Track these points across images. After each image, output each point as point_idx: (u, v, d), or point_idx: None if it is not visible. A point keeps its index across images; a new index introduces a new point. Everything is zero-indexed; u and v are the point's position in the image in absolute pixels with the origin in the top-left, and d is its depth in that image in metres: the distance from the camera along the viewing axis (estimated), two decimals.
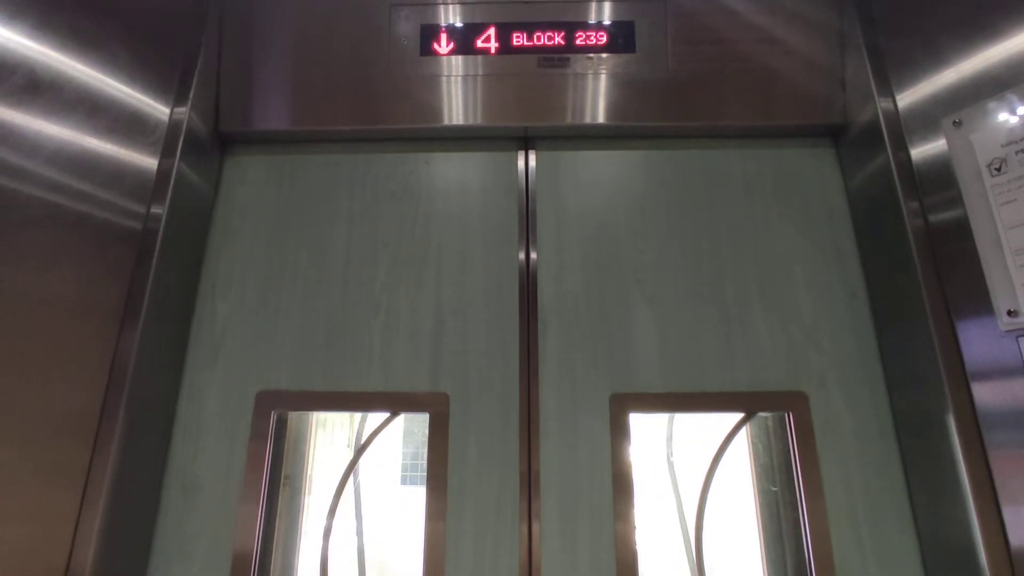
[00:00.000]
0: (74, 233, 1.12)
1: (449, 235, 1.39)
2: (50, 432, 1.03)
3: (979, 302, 1.06)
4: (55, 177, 1.12)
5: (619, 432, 1.23)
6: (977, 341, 1.06)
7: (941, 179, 1.15)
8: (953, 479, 1.04)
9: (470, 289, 1.35)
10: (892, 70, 1.29)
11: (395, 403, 1.27)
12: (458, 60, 1.42)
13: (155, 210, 1.21)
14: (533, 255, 1.37)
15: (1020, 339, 1.01)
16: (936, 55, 1.21)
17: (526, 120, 1.41)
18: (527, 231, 1.39)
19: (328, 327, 1.33)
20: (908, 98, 1.25)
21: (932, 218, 1.16)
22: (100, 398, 1.07)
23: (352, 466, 1.31)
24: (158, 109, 1.28)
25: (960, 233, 1.10)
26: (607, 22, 1.43)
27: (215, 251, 1.39)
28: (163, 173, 1.24)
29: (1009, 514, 0.98)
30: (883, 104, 1.27)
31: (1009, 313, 1.02)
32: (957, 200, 1.11)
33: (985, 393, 1.04)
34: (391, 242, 1.39)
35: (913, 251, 1.15)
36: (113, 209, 1.17)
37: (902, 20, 1.30)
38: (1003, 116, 1.08)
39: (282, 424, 1.32)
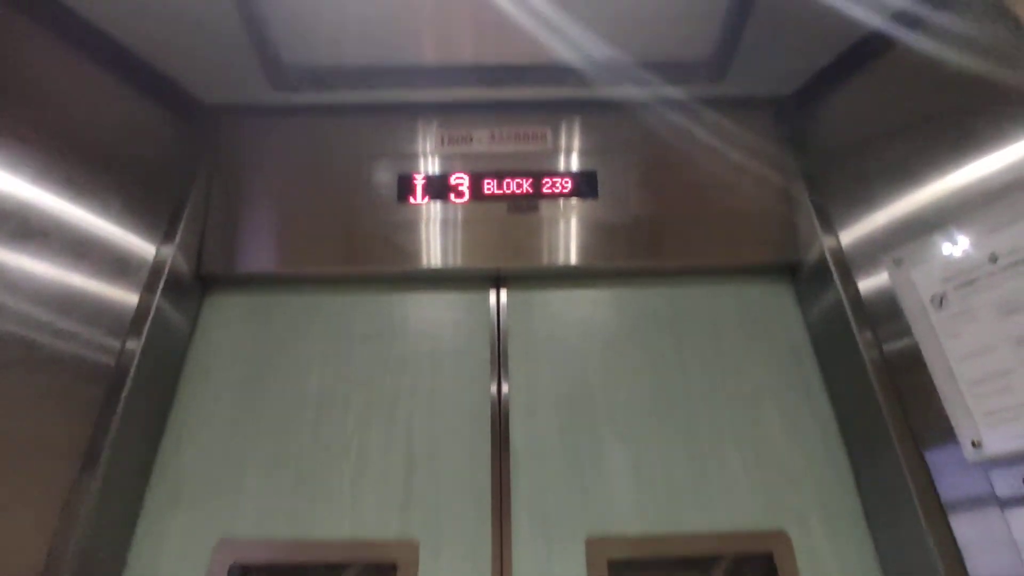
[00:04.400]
0: (46, 374, 1.11)
1: (421, 376, 1.40)
2: None
3: (945, 431, 1.07)
4: (35, 315, 1.13)
5: None
6: (949, 471, 1.07)
7: (891, 310, 1.21)
8: None
9: (442, 430, 1.33)
10: (834, 212, 1.41)
11: (363, 553, 1.21)
12: (433, 206, 1.52)
13: (130, 345, 1.22)
14: (505, 392, 1.38)
15: (989, 470, 1.02)
16: (871, 199, 1.32)
17: (498, 262, 1.48)
18: (499, 369, 1.41)
19: (296, 471, 1.29)
20: (850, 236, 1.35)
21: (887, 347, 1.21)
22: (47, 543, 1.01)
23: None
24: (144, 249, 1.33)
25: (916, 361, 1.14)
26: (572, 171, 1.56)
27: (186, 390, 1.38)
28: (142, 309, 1.27)
29: None
30: (828, 242, 1.37)
31: (973, 444, 1.03)
32: (909, 329, 1.16)
33: (964, 526, 1.03)
34: (363, 384, 1.39)
35: (873, 382, 1.19)
36: (89, 345, 1.17)
37: (838, 169, 1.43)
38: (938, 254, 1.16)
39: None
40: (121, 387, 1.17)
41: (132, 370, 1.19)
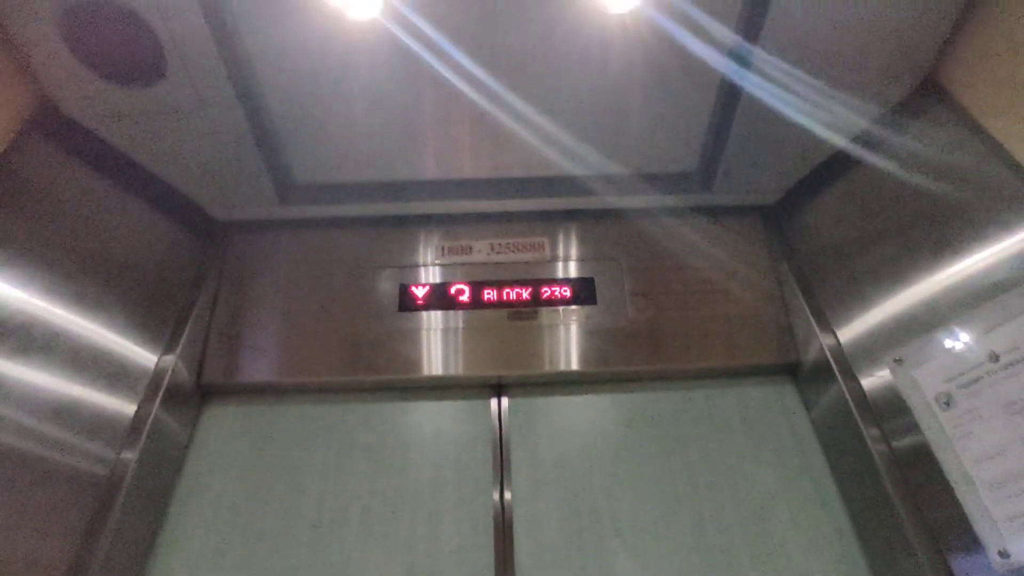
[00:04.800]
0: (40, 488, 1.07)
1: (422, 487, 1.36)
2: None
3: (967, 533, 1.03)
4: (32, 427, 1.10)
5: None
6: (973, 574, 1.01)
7: (896, 406, 1.19)
8: None
9: (444, 543, 1.28)
10: (829, 312, 1.43)
11: None
12: (434, 315, 1.54)
13: (126, 455, 1.19)
14: (508, 501, 1.34)
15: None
16: (863, 299, 1.34)
17: (498, 369, 1.48)
18: (502, 478, 1.37)
19: None
20: (848, 334, 1.36)
21: (896, 444, 1.18)
22: None
23: None
24: (146, 358, 1.34)
25: (927, 458, 1.11)
26: (570, 278, 1.60)
27: (179, 502, 1.33)
28: (140, 419, 1.25)
29: None
30: (826, 341, 1.38)
31: (1000, 555, 0.99)
32: (916, 425, 1.14)
33: None
34: (363, 495, 1.35)
35: (885, 481, 1.16)
36: (84, 456, 1.14)
37: (829, 271, 1.47)
38: (938, 353, 1.16)
39: None
40: (114, 501, 1.13)
41: (126, 482, 1.16)
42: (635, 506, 1.33)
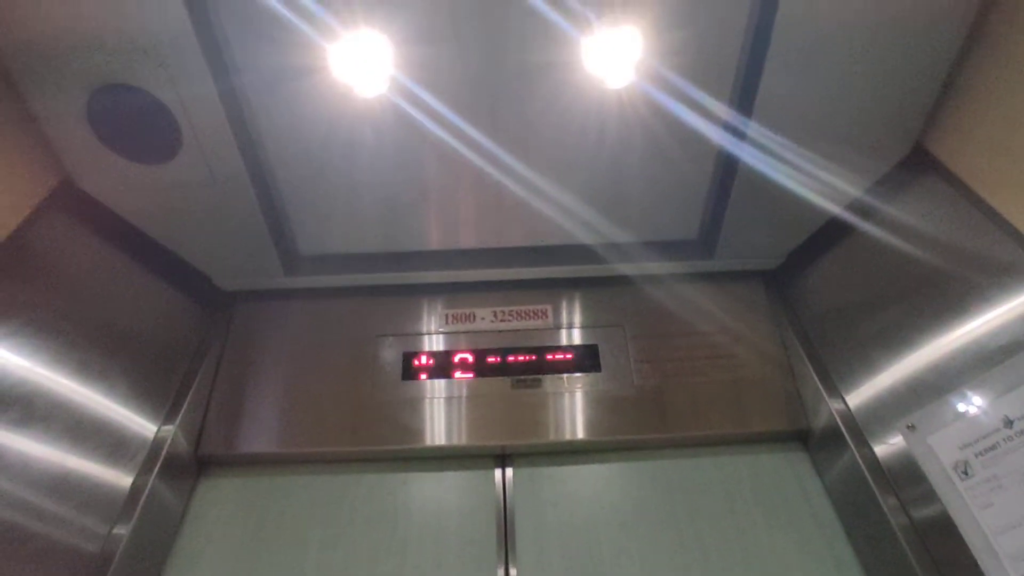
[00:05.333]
0: (31, 566, 1.03)
1: (425, 560, 1.31)
2: None
3: None
4: (26, 500, 1.07)
5: None
6: None
7: (913, 474, 1.15)
8: None
9: None
10: (836, 377, 1.41)
11: None
12: (437, 384, 1.53)
13: (118, 531, 1.16)
14: (513, 573, 1.28)
15: None
16: (870, 364, 1.33)
17: (502, 438, 1.46)
18: (506, 550, 1.32)
19: None
20: (857, 399, 1.34)
21: (915, 514, 1.14)
22: None
23: None
24: (145, 427, 1.32)
25: (949, 528, 1.07)
26: (574, 345, 1.59)
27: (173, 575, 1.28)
28: (136, 491, 1.22)
29: None
30: (835, 406, 1.36)
31: None
32: (935, 494, 1.10)
33: None
34: (363, 570, 1.29)
35: (907, 552, 1.11)
36: (77, 532, 1.11)
37: (834, 336, 1.46)
38: (951, 419, 1.14)
39: None
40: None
41: (116, 558, 1.12)
42: None
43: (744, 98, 1.27)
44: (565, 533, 1.35)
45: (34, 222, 1.24)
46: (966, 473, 1.09)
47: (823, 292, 1.57)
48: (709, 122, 1.34)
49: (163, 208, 1.39)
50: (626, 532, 1.35)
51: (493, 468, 1.46)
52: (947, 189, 1.25)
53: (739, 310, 1.64)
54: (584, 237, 1.59)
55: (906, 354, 1.25)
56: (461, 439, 1.44)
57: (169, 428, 1.35)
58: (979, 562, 1.03)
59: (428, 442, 1.44)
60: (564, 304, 1.67)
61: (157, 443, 1.32)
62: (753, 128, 1.28)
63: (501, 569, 1.29)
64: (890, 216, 1.37)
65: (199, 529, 1.37)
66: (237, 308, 1.67)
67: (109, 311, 1.37)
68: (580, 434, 1.45)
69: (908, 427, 1.21)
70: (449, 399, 1.50)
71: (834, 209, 1.44)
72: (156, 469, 1.27)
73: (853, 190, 1.40)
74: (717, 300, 1.65)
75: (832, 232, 1.51)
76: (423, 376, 1.54)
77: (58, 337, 1.22)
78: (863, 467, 1.24)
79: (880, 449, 1.25)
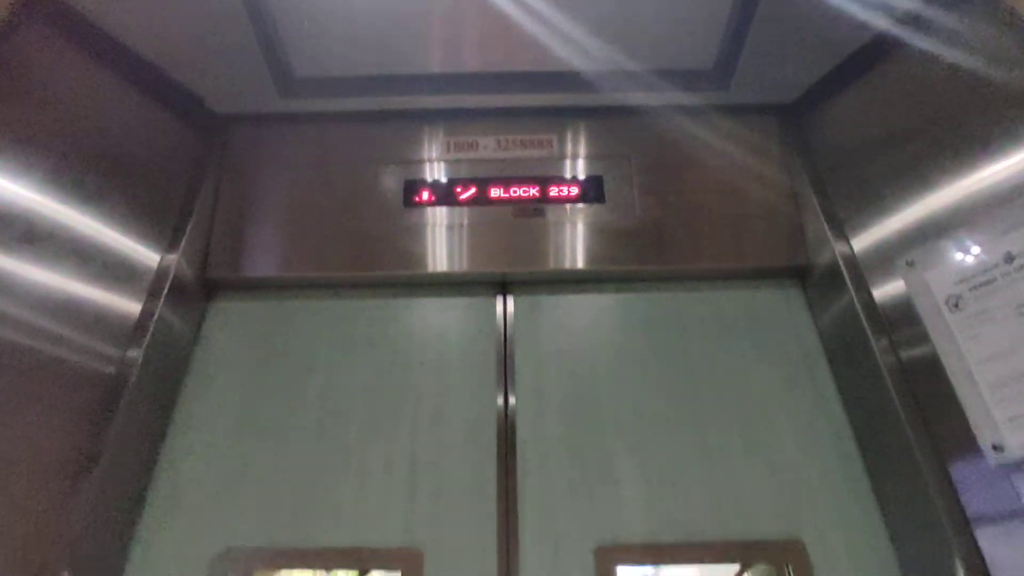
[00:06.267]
0: (44, 381, 1.09)
1: (426, 382, 1.38)
2: None
3: (969, 441, 1.03)
4: (35, 322, 1.12)
5: None
6: (973, 483, 1.03)
7: (907, 316, 1.18)
8: None
9: (447, 438, 1.31)
10: (844, 217, 1.39)
11: (367, 561, 1.18)
12: (440, 211, 1.52)
13: (131, 354, 1.20)
14: (512, 401, 1.36)
15: (1012, 475, 0.99)
16: (881, 203, 1.30)
17: (504, 267, 1.47)
18: (505, 377, 1.39)
19: (298, 479, 1.26)
20: (863, 242, 1.33)
21: (904, 355, 1.18)
22: (44, 551, 0.99)
23: None
24: (149, 256, 1.33)
25: (936, 369, 1.10)
26: (578, 177, 1.55)
27: (187, 398, 1.36)
28: (144, 317, 1.26)
29: None
30: (840, 248, 1.35)
31: (995, 448, 1.00)
32: (927, 336, 1.13)
33: (989, 539, 0.99)
34: (367, 391, 1.37)
35: (891, 392, 1.15)
36: (88, 353, 1.15)
37: (846, 174, 1.41)
38: (951, 255, 1.14)
39: None
40: (120, 395, 1.16)
41: (132, 379, 1.18)
42: (637, 403, 1.35)
43: None
44: (563, 359, 1.41)
45: (14, 33, 1.15)
46: (957, 306, 1.11)
47: (839, 128, 1.49)
48: None
49: (147, 22, 1.29)
50: (621, 360, 1.41)
51: (494, 296, 1.50)
52: (991, 14, 1.14)
53: (750, 145, 1.58)
54: (593, 63, 1.48)
55: (920, 193, 1.22)
56: (462, 266, 1.46)
57: (173, 256, 1.36)
58: (957, 391, 1.07)
59: (430, 268, 1.46)
60: (569, 134, 1.61)
61: (162, 269, 1.33)
62: None
63: (500, 391, 1.37)
64: (922, 43, 1.26)
65: (211, 352, 1.43)
66: (233, 133, 1.61)
67: (100, 131, 1.31)
68: (580, 264, 1.46)
69: (907, 263, 1.21)
70: (451, 227, 1.50)
71: (880, 23, 1.31)
72: (164, 294, 1.30)
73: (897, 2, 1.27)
74: (728, 134, 1.59)
75: (856, 64, 1.41)
76: (425, 203, 1.52)
77: (50, 156, 1.19)
78: (859, 309, 1.26)
79: (879, 292, 1.26)
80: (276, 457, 1.29)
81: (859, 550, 1.18)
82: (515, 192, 1.53)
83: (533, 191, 1.53)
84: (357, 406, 1.35)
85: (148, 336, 1.24)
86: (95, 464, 1.08)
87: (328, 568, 1.22)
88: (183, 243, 1.39)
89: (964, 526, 1.01)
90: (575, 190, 1.53)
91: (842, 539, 1.19)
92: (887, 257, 1.25)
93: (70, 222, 1.23)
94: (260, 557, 1.19)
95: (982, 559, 0.98)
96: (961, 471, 1.04)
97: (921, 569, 1.10)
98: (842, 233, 1.37)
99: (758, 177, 1.54)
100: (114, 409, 1.14)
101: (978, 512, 1.01)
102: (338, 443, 1.31)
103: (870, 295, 1.27)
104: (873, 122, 1.39)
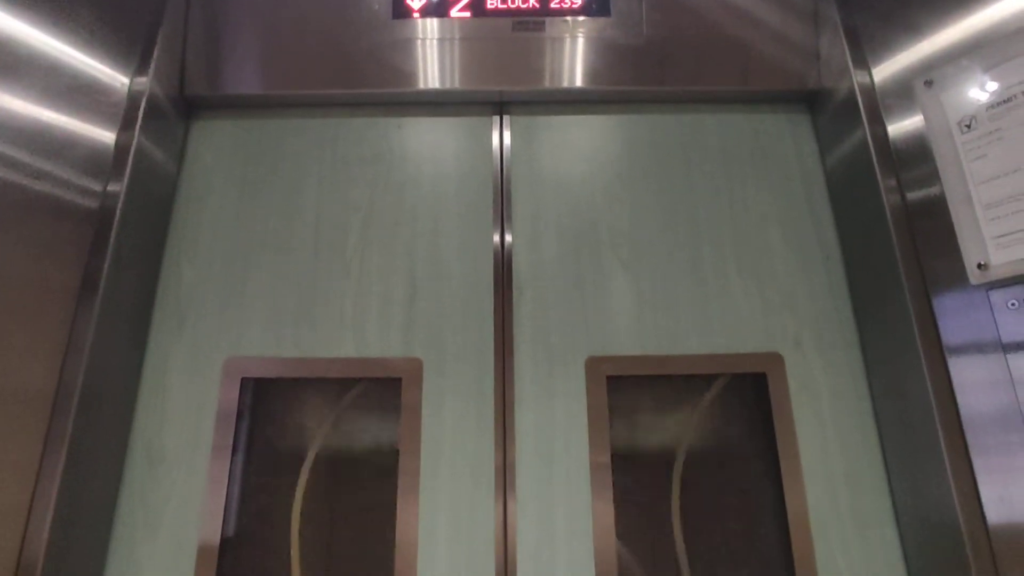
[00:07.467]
0: (32, 214, 1.06)
1: (422, 200, 1.37)
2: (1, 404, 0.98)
3: (955, 275, 1.05)
4: (11, 156, 1.06)
5: (595, 393, 1.22)
6: (952, 314, 1.06)
7: (918, 155, 1.14)
8: (929, 446, 1.04)
9: (444, 254, 1.32)
10: (867, 45, 1.29)
11: (367, 369, 1.25)
12: (431, 23, 1.40)
13: (112, 188, 1.16)
14: (508, 217, 1.35)
15: (990, 292, 1.02)
16: (910, 27, 1.21)
17: (500, 84, 1.39)
18: (502, 198, 1.37)
19: (298, 293, 1.29)
20: (884, 71, 1.24)
21: (910, 195, 1.15)
22: (56, 371, 1.02)
23: (323, 436, 1.28)
24: (117, 79, 1.23)
25: (938, 209, 1.09)
26: None
27: (181, 217, 1.35)
28: (121, 148, 1.20)
29: (985, 485, 0.97)
30: (859, 78, 1.27)
31: (979, 266, 1.02)
32: (935, 176, 1.10)
33: (961, 367, 1.03)
34: (363, 206, 1.36)
35: (891, 228, 1.14)
36: (68, 188, 1.11)
37: None
38: (973, 74, 1.08)
39: (255, 392, 1.28)
40: (109, 228, 1.13)
41: (117, 213, 1.14)
42: (633, 223, 1.35)
43: None
44: (560, 182, 1.39)
45: None
46: (969, 128, 1.08)
47: None
48: None
49: None
50: (620, 181, 1.39)
51: (490, 116, 1.44)
52: None
53: None
54: None
55: (954, 14, 1.13)
56: (455, 83, 1.38)
57: (143, 79, 1.26)
58: (951, 212, 1.07)
59: (421, 85, 1.38)
60: None
61: (134, 95, 1.24)
62: None
63: (497, 218, 1.36)
64: None
65: (198, 173, 1.39)
66: None
67: None
68: (580, 82, 1.39)
69: (925, 83, 1.15)
70: (443, 40, 1.39)
71: None
72: (139, 122, 1.22)
73: None
74: None
75: None
76: (416, 14, 1.40)
77: None
78: (871, 143, 1.21)
79: (893, 127, 1.20)
80: (274, 270, 1.31)
81: (835, 367, 1.25)
82: (513, 2, 1.40)
83: (533, 1, 1.40)
84: (352, 221, 1.35)
85: (128, 168, 1.18)
86: (96, 288, 1.09)
87: (329, 375, 1.28)
88: (154, 60, 1.29)
89: (938, 351, 1.05)
90: (578, 1, 1.41)
91: (819, 356, 1.26)
92: (908, 88, 1.18)
93: (35, 46, 1.12)
94: (263, 366, 1.25)
95: (950, 383, 1.03)
96: (943, 302, 1.07)
97: (893, 389, 1.16)
98: (864, 63, 1.28)
99: None
100: (106, 237, 1.12)
101: (953, 341, 1.05)
102: (335, 257, 1.32)
103: (885, 131, 1.21)
104: None
